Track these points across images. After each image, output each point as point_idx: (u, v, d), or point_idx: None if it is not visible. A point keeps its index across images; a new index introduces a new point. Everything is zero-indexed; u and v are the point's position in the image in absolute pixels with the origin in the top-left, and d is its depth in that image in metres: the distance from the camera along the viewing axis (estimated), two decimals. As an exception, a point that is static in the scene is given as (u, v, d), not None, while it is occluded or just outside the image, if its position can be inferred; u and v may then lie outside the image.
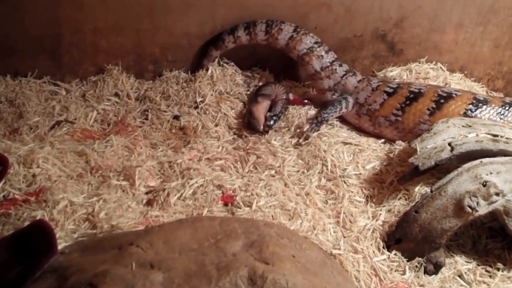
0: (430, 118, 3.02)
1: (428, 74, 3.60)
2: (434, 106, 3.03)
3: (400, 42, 3.67)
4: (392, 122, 3.14)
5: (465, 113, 2.99)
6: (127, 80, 3.57)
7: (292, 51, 3.44)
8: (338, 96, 3.33)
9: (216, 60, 3.60)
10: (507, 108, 3.02)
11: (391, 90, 3.19)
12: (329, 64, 3.37)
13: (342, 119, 3.39)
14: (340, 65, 3.38)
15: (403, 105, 3.10)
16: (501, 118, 2.99)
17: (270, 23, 3.42)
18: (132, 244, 2.01)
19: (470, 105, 3.00)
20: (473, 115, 2.98)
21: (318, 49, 3.38)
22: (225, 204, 2.64)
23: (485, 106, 3.01)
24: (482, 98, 3.05)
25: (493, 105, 3.02)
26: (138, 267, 1.90)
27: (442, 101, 3.03)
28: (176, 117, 3.31)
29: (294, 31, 3.39)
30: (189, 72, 3.61)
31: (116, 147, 3.00)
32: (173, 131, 3.22)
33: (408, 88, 3.14)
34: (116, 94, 3.49)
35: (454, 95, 3.04)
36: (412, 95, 3.10)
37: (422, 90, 3.10)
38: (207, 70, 3.57)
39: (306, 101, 3.43)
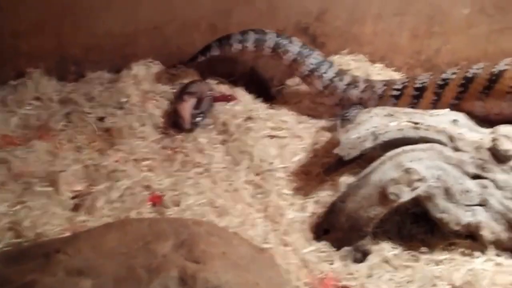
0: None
1: (350, 65, 3.65)
2: (435, 98, 2.98)
3: (322, 35, 3.71)
4: None
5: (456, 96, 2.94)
6: (48, 83, 3.47)
7: (295, 72, 3.43)
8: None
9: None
10: None
11: (398, 93, 3.12)
12: (329, 81, 3.32)
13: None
14: (341, 80, 3.32)
15: (412, 106, 3.03)
16: None
17: (279, 42, 3.34)
18: (59, 251, 1.98)
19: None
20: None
21: (318, 68, 3.33)
22: (154, 205, 2.63)
23: None
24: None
25: None
26: (66, 275, 1.88)
27: (440, 90, 2.97)
28: (100, 119, 3.25)
29: (299, 53, 3.34)
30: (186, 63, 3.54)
31: (39, 152, 2.92)
32: (98, 133, 3.15)
33: (412, 85, 3.08)
34: (38, 98, 3.39)
35: (448, 81, 2.96)
36: (418, 92, 3.04)
37: (425, 84, 3.03)
38: (131, 69, 3.53)
39: (230, 97, 3.44)
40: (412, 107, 3.01)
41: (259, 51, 3.41)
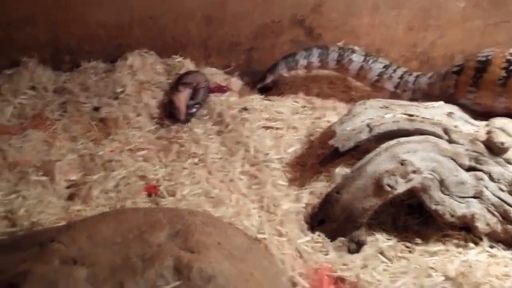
0: (503, 89, 2.80)
1: (346, 57, 3.66)
2: (504, 75, 2.79)
3: (318, 27, 3.71)
4: (471, 101, 2.90)
5: None
6: (43, 73, 3.48)
7: (363, 80, 3.36)
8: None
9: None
10: None
11: (457, 69, 2.97)
12: (399, 79, 3.25)
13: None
14: (410, 74, 3.26)
15: (475, 79, 2.88)
16: None
17: (342, 53, 3.31)
18: (53, 240, 1.97)
19: None
20: None
21: (387, 71, 3.27)
22: (149, 195, 2.64)
23: None
24: None
25: None
26: (61, 264, 1.87)
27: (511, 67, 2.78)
28: (96, 109, 3.25)
29: (364, 60, 3.30)
30: (256, 85, 3.47)
31: (35, 142, 2.93)
32: (94, 123, 3.16)
33: (475, 59, 2.91)
34: (33, 87, 3.40)
35: None
36: (480, 65, 2.87)
37: (489, 57, 2.86)
38: (126, 59, 3.53)
39: (225, 88, 3.44)
40: (475, 83, 2.87)
41: (324, 65, 3.37)
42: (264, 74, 3.40)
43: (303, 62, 3.36)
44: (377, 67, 3.29)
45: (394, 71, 3.27)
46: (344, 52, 3.33)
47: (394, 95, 3.25)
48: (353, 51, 3.33)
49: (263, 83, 3.43)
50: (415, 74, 3.25)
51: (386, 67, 3.29)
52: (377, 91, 3.34)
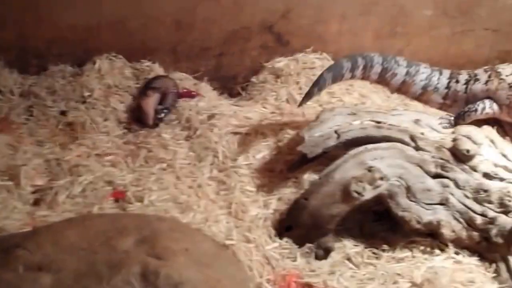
0: None
1: (314, 64, 3.66)
2: None
3: (286, 33, 3.72)
4: None
5: None
6: (10, 76, 3.43)
7: (406, 94, 3.01)
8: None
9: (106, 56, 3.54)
10: None
11: None
12: (446, 90, 2.91)
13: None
14: (457, 81, 2.90)
15: None
16: None
17: (386, 66, 2.92)
18: (18, 246, 1.95)
19: None
20: None
21: (430, 82, 2.91)
22: (116, 200, 2.63)
23: None
24: None
25: None
26: (26, 270, 1.86)
27: None
28: (63, 113, 3.22)
29: (406, 74, 2.91)
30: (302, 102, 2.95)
31: (0, 146, 2.89)
32: (60, 127, 3.13)
33: None
34: (-1, 90, 3.36)
35: None
36: None
37: None
38: (94, 63, 3.50)
39: (194, 93, 3.43)
40: None
41: (365, 78, 3.01)
42: (310, 90, 2.90)
43: (348, 74, 2.94)
44: (419, 79, 2.93)
45: (438, 81, 2.94)
46: (387, 64, 2.95)
47: (443, 107, 2.97)
48: (397, 62, 2.95)
49: (310, 98, 2.98)
50: (463, 78, 2.92)
51: (428, 77, 2.94)
52: (424, 104, 3.04)
